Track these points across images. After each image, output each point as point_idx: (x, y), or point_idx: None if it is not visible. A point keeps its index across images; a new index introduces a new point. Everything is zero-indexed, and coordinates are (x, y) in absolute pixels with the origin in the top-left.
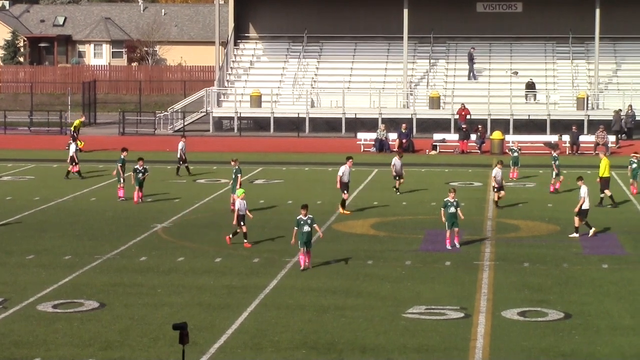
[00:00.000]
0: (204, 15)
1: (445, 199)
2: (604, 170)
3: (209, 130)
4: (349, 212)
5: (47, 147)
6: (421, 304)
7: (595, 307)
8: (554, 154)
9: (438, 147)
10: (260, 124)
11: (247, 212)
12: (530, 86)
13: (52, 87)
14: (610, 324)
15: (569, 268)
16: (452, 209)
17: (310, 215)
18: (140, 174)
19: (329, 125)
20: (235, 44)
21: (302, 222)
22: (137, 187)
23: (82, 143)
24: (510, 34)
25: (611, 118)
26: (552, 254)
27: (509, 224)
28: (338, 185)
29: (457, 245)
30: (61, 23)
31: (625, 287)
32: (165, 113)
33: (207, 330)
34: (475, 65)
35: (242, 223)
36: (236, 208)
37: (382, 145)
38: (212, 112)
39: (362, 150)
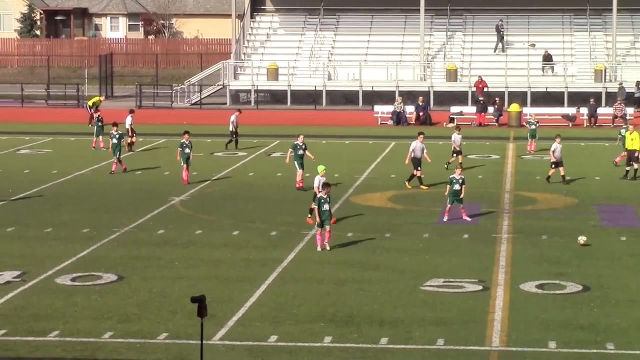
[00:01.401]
0: None
1: (450, 176)
2: (633, 142)
3: (225, 104)
4: (426, 187)
5: (65, 121)
6: (439, 276)
7: (613, 280)
8: (623, 128)
9: (455, 120)
10: (277, 97)
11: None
12: (548, 58)
13: (69, 60)
14: (629, 297)
15: (587, 240)
16: (457, 186)
17: (329, 194)
18: (188, 149)
19: (346, 98)
20: (252, 16)
21: (322, 201)
22: (184, 165)
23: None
24: (527, 6)
25: (631, 90)
26: (570, 227)
27: (526, 197)
28: (407, 161)
29: (468, 219)
30: None
31: None
32: (182, 86)
33: (225, 303)
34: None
35: None
36: (315, 185)
37: (399, 118)
38: (228, 85)
39: (379, 123)
